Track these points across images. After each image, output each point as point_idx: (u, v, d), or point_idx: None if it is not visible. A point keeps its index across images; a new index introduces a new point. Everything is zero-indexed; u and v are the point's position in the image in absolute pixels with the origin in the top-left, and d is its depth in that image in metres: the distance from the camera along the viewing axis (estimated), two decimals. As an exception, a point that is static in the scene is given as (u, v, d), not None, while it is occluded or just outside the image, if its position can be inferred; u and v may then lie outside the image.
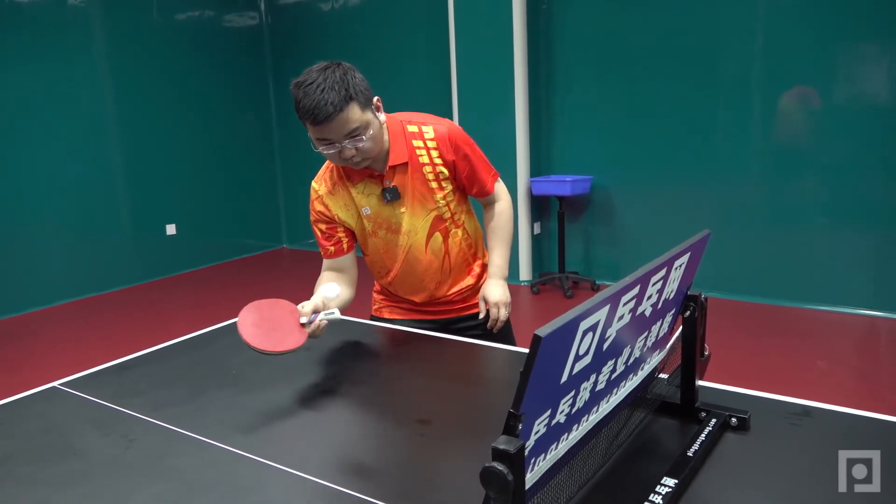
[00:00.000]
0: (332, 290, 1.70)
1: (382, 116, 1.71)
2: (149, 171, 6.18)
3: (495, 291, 1.86)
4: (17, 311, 5.37)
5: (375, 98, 1.67)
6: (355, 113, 1.58)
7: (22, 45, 5.28)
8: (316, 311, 1.62)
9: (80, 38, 5.66)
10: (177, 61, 6.36)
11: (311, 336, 1.60)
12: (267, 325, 1.54)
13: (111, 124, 5.91)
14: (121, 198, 6.04)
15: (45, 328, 5.06)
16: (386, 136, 1.74)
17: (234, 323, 1.56)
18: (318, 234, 1.86)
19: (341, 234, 1.85)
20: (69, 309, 5.51)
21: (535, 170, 5.43)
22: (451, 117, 5.42)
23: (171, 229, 6.41)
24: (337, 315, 1.65)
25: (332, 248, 1.85)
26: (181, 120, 6.40)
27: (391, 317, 2.00)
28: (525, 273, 5.54)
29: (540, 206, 5.58)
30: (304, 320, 1.59)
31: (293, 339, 1.55)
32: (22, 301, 5.39)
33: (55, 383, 1.61)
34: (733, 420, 1.19)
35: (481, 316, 1.88)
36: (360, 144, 1.62)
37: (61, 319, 5.26)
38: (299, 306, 1.61)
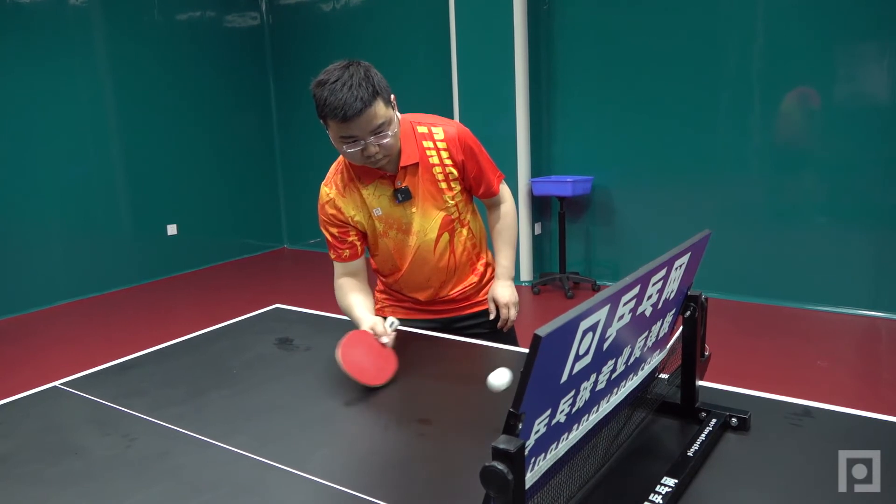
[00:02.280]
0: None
1: (398, 115, 1.72)
2: (149, 171, 6.18)
3: (504, 292, 1.90)
4: (17, 311, 5.37)
5: (392, 96, 1.68)
6: (381, 108, 1.59)
7: (22, 45, 5.28)
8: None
9: (81, 38, 5.66)
10: (177, 61, 6.36)
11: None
12: (368, 361, 1.56)
13: (112, 124, 5.91)
14: (121, 198, 6.04)
15: (46, 328, 5.07)
16: None
17: (238, 322, 1.55)
18: (330, 237, 1.84)
19: (354, 238, 1.83)
20: (70, 309, 5.51)
21: (536, 170, 5.43)
22: (451, 118, 5.43)
23: (171, 229, 6.41)
24: (398, 323, 1.69)
25: (347, 252, 1.83)
26: (182, 120, 6.40)
27: (393, 316, 2.00)
28: (526, 273, 5.54)
29: (541, 206, 5.59)
30: (385, 340, 1.62)
31: (392, 364, 1.58)
32: (22, 301, 5.40)
33: (56, 383, 1.62)
34: (733, 420, 1.19)
35: (492, 317, 1.91)
36: (384, 141, 1.62)
37: (62, 319, 5.27)
38: (368, 328, 1.64)
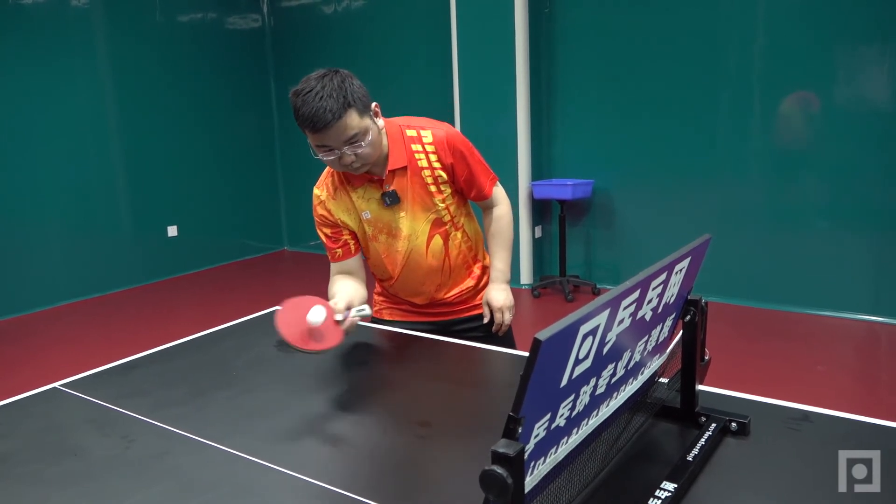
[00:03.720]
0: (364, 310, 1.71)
1: (381, 122, 1.72)
2: (150, 172, 6.19)
3: (498, 296, 1.89)
4: (17, 311, 5.37)
5: (374, 104, 1.68)
6: (353, 120, 1.59)
7: (22, 45, 5.29)
8: (348, 308, 1.63)
9: (82, 39, 5.67)
10: (179, 63, 6.37)
11: (345, 333, 1.61)
12: (305, 323, 1.54)
13: (112, 125, 5.91)
14: (122, 199, 6.04)
15: (46, 329, 5.07)
16: (385, 141, 1.75)
17: (239, 323, 1.56)
18: (324, 237, 1.88)
19: (347, 237, 1.86)
20: (70, 310, 5.51)
21: (537, 173, 5.44)
22: (452, 120, 5.43)
23: (172, 231, 6.41)
24: (368, 311, 1.67)
25: (340, 251, 1.86)
26: (183, 121, 6.41)
27: (391, 318, 2.01)
28: (526, 277, 5.53)
29: (541, 209, 5.59)
30: (339, 317, 1.59)
31: (331, 338, 1.56)
32: (22, 301, 5.39)
33: (56, 384, 1.62)
34: (733, 425, 1.19)
35: (486, 320, 1.91)
36: (359, 150, 1.63)
37: (62, 320, 5.26)
38: (332, 303, 1.62)
